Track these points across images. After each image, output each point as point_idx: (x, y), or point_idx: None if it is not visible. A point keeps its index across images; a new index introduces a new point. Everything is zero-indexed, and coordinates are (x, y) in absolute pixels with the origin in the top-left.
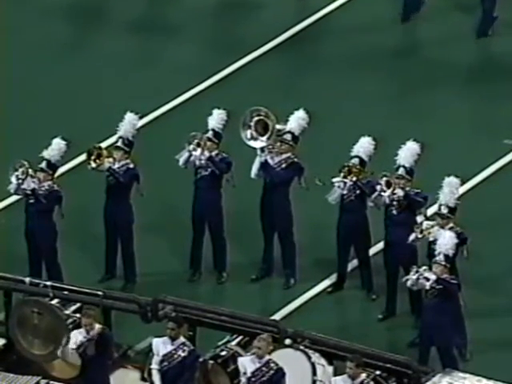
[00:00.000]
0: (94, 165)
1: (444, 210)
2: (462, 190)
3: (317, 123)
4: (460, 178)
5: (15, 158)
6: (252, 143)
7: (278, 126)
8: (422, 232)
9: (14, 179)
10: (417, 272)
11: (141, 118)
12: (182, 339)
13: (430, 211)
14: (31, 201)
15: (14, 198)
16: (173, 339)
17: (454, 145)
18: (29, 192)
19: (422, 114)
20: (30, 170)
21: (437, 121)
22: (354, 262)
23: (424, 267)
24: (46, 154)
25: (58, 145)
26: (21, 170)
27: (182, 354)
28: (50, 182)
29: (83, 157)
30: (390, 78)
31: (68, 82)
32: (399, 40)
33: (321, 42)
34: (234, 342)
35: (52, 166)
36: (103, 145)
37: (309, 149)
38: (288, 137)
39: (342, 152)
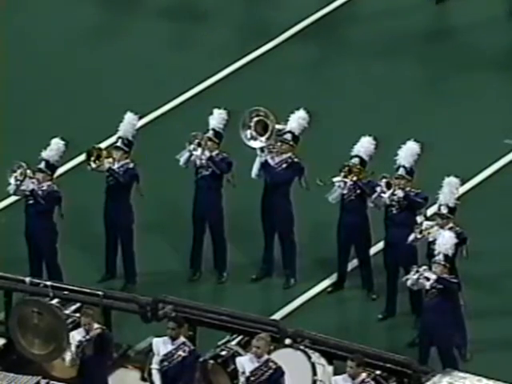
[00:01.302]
0: (93, 165)
1: (444, 210)
2: (462, 189)
3: (319, 121)
4: (460, 178)
5: (15, 157)
6: (251, 143)
7: (277, 126)
8: (421, 232)
9: (12, 181)
10: (417, 272)
11: (141, 118)
12: (182, 339)
13: (430, 211)
14: (30, 201)
15: (14, 197)
16: (173, 339)
17: (454, 144)
18: (28, 193)
19: (426, 111)
20: (28, 171)
21: (438, 119)
22: (354, 262)
23: (424, 267)
24: (44, 154)
25: (56, 145)
26: (19, 171)
27: (183, 354)
28: (49, 183)
29: (83, 157)
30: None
31: (68, 80)
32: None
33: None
34: (233, 342)
35: (51, 167)
36: (103, 145)
37: (309, 148)
38: (288, 137)
39: (343, 151)
